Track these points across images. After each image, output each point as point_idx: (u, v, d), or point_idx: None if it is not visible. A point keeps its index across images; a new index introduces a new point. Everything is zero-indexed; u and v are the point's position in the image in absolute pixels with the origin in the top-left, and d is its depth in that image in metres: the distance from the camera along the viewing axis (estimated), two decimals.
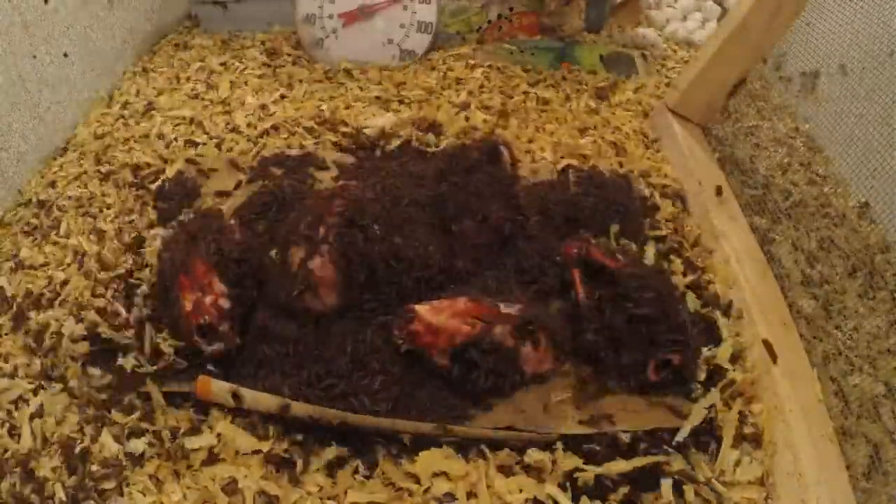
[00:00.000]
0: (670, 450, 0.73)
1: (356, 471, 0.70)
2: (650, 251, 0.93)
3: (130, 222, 0.98)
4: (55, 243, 0.95)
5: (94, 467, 0.70)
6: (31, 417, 0.74)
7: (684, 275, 0.92)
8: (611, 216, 0.95)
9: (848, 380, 0.79)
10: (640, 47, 1.50)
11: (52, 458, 0.71)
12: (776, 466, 0.72)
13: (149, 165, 1.09)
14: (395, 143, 1.14)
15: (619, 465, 0.71)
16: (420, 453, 0.71)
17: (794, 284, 0.90)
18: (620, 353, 0.77)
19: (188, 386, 0.75)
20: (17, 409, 0.75)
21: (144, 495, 0.68)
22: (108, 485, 0.69)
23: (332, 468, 0.71)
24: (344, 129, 1.16)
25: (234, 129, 1.17)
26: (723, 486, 0.70)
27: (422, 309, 0.75)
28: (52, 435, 0.73)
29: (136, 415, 0.74)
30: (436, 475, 0.69)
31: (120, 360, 0.79)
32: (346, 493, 0.68)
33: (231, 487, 0.68)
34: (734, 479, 0.71)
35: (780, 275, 0.92)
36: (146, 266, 0.90)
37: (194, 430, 0.73)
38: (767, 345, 0.75)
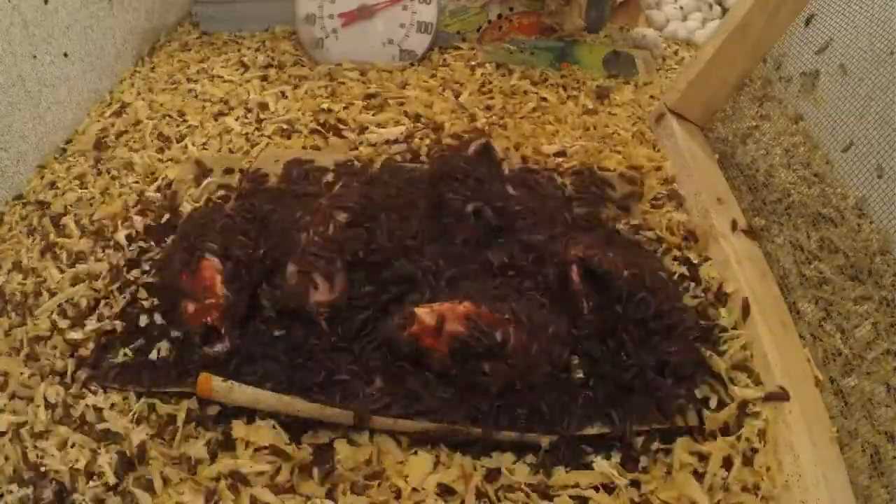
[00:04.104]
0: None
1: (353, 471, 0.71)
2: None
3: (131, 222, 0.98)
4: (55, 244, 0.95)
5: (98, 468, 0.70)
6: (30, 420, 0.75)
7: (683, 275, 0.92)
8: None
9: (848, 380, 0.79)
10: (640, 47, 1.50)
11: (55, 459, 0.71)
12: (776, 466, 0.72)
13: (149, 165, 1.09)
14: (395, 147, 1.14)
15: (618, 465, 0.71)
16: (414, 456, 0.71)
17: (793, 285, 0.90)
18: (620, 353, 0.77)
19: (189, 385, 0.75)
20: (15, 411, 0.76)
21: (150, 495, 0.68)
22: (112, 484, 0.69)
23: (329, 470, 0.71)
24: (345, 131, 1.17)
25: (235, 129, 1.17)
26: (723, 487, 0.70)
27: (421, 311, 0.75)
28: (52, 437, 0.73)
29: (134, 415, 0.75)
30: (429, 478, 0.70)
31: (120, 359, 0.79)
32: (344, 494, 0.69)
33: (231, 486, 0.68)
34: (734, 479, 0.71)
35: (780, 275, 0.92)
36: (147, 266, 0.90)
37: (195, 430, 0.73)
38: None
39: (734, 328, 0.85)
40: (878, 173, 0.86)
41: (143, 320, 0.83)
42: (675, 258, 0.95)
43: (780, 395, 0.74)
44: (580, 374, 0.78)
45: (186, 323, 0.77)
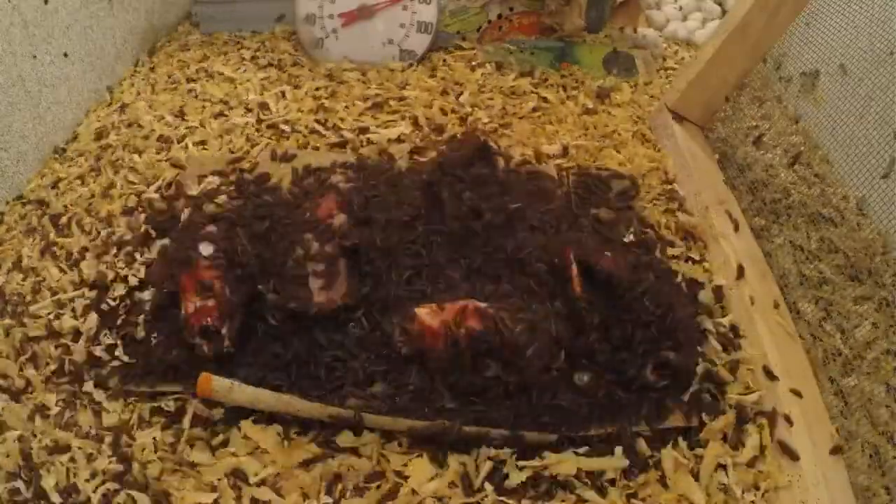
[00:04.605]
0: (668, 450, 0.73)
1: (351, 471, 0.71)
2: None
3: (132, 223, 0.98)
4: (55, 243, 0.95)
5: (99, 469, 0.70)
6: (31, 422, 0.75)
7: (683, 275, 0.92)
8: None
9: (847, 380, 0.79)
10: (640, 47, 1.50)
11: (58, 459, 0.71)
12: (776, 467, 0.72)
13: (149, 166, 1.09)
14: (395, 147, 1.14)
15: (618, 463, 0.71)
16: (414, 456, 0.72)
17: (793, 285, 0.90)
18: (619, 353, 0.77)
19: (189, 385, 0.75)
20: (15, 412, 0.76)
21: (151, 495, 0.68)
22: (113, 485, 0.69)
23: (329, 470, 0.71)
24: (345, 131, 1.17)
25: (234, 129, 1.17)
26: (723, 489, 0.70)
27: (422, 311, 0.75)
28: (53, 438, 0.73)
29: (135, 415, 0.75)
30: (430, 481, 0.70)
31: (120, 360, 0.79)
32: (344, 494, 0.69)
33: (232, 486, 0.68)
34: (734, 480, 0.71)
35: (780, 275, 0.92)
36: (147, 267, 0.90)
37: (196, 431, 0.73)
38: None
39: (733, 328, 0.85)
40: (887, 170, 0.86)
41: (144, 321, 0.83)
42: (674, 258, 0.95)
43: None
44: (580, 375, 0.78)
45: (186, 323, 0.77)
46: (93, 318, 0.84)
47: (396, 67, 1.37)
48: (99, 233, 0.96)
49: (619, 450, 0.72)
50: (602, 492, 0.70)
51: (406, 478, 0.70)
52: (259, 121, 1.19)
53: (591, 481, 0.71)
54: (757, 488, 0.71)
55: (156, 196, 1.02)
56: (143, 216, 0.98)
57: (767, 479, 0.71)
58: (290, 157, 1.08)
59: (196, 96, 1.27)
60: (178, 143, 1.15)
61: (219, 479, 0.69)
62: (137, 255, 0.92)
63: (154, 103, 1.25)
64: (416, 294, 0.81)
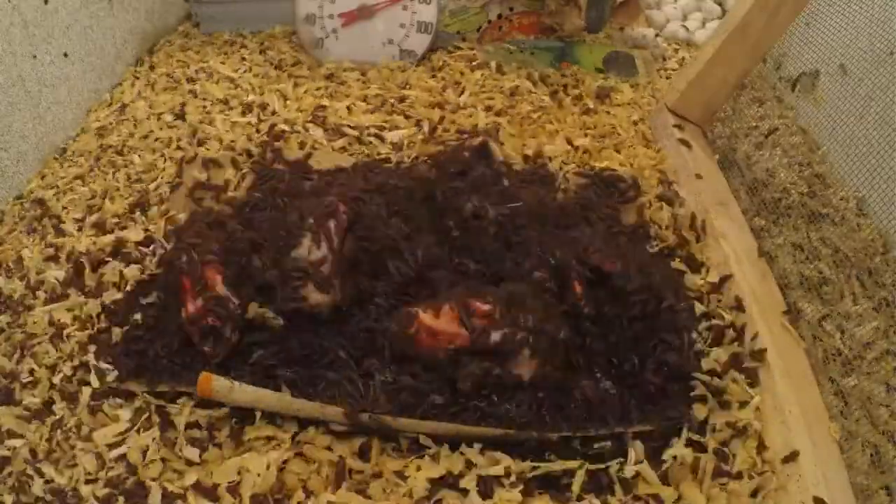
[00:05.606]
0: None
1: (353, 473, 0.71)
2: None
3: (131, 223, 0.98)
4: (55, 244, 0.95)
5: (100, 469, 0.70)
6: (32, 422, 0.75)
7: (683, 276, 0.92)
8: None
9: (847, 380, 0.79)
10: (640, 47, 1.50)
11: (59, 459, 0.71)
12: (775, 467, 0.72)
13: (149, 166, 1.09)
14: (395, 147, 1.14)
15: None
16: (414, 456, 0.72)
17: (793, 285, 0.90)
18: (619, 353, 0.77)
19: (189, 384, 0.75)
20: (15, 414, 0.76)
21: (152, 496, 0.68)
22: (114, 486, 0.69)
23: (330, 470, 0.71)
24: (347, 130, 1.17)
25: (234, 129, 1.17)
26: (722, 488, 0.70)
27: (422, 312, 0.75)
28: (53, 439, 0.73)
29: (136, 415, 0.75)
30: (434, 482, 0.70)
31: (120, 359, 0.79)
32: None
33: (234, 484, 0.69)
34: (733, 480, 0.71)
35: (780, 275, 0.92)
36: (147, 267, 0.90)
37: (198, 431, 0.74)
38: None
39: (733, 327, 0.85)
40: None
41: (144, 320, 0.83)
42: (675, 258, 0.94)
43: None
44: (579, 375, 0.78)
45: (187, 323, 0.77)
46: (93, 317, 0.84)
47: (396, 67, 1.37)
48: (99, 232, 0.96)
49: (620, 450, 0.72)
50: (603, 492, 0.70)
51: (406, 478, 0.70)
52: (259, 121, 1.20)
53: (591, 481, 0.71)
54: (757, 488, 0.71)
55: (156, 196, 1.02)
56: (143, 216, 0.98)
57: (768, 479, 0.71)
58: (289, 157, 1.08)
59: (196, 96, 1.27)
60: (179, 142, 1.15)
61: (219, 480, 0.69)
62: (138, 255, 0.92)
63: (154, 103, 1.25)
64: (415, 295, 0.81)
